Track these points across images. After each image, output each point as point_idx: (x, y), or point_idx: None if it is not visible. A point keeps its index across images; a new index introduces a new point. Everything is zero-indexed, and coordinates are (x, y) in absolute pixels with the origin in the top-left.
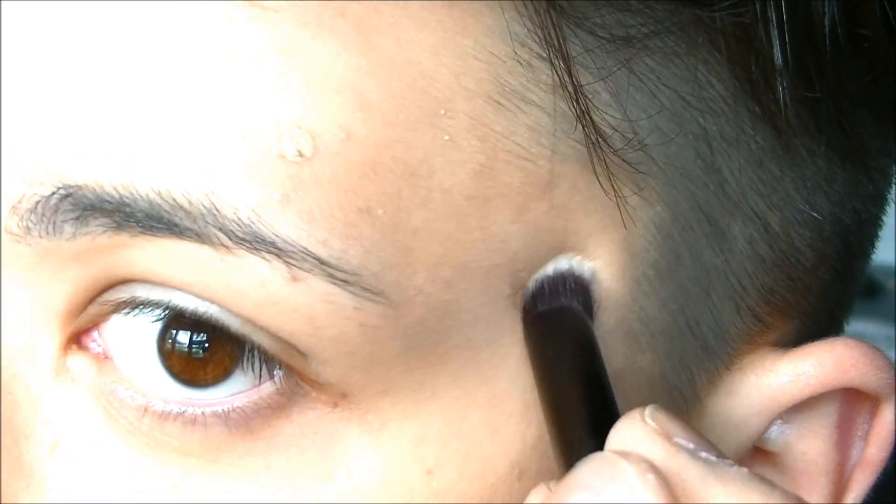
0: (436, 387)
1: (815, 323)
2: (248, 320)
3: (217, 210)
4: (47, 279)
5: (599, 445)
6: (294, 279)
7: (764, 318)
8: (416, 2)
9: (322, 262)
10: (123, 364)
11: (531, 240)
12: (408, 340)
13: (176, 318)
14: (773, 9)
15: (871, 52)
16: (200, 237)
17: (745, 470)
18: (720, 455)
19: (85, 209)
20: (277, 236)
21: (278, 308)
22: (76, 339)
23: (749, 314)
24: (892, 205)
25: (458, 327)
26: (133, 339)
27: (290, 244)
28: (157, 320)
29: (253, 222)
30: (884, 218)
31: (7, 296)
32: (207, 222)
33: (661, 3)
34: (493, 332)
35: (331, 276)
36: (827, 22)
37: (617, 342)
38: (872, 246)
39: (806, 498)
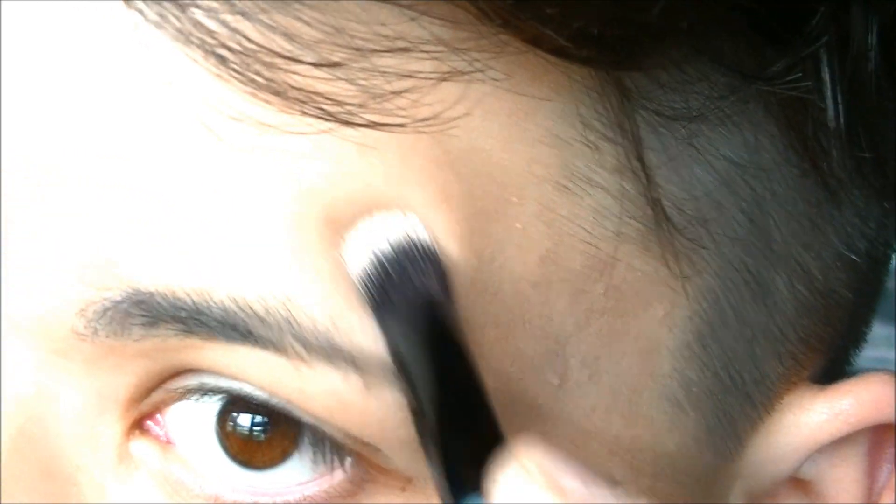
0: None
1: (843, 351)
2: (320, 420)
3: (294, 319)
4: (110, 371)
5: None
6: (367, 388)
7: (800, 359)
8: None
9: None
10: (184, 447)
11: (584, 322)
12: None
13: (237, 401)
14: (827, 72)
15: None
16: (275, 346)
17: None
18: (611, 483)
19: (156, 315)
20: (354, 346)
21: (349, 413)
22: (138, 424)
23: (788, 357)
24: None
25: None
26: (193, 420)
27: (367, 354)
28: (218, 401)
29: (330, 332)
30: None
31: (67, 387)
32: (283, 331)
33: (724, 79)
34: None
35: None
36: (874, 79)
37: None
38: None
39: None
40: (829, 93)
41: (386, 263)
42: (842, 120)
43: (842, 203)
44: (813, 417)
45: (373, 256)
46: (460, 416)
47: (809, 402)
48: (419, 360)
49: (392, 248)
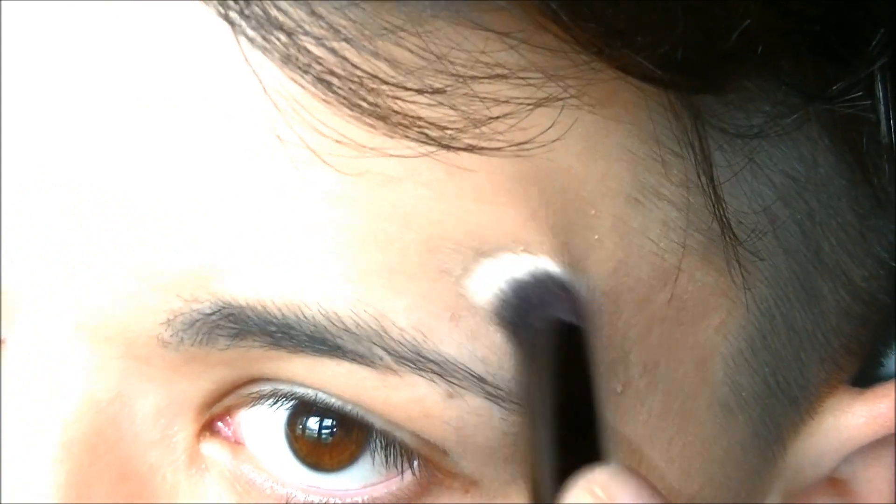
0: None
1: (880, 355)
2: (395, 425)
3: (384, 332)
4: (189, 378)
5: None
6: (451, 395)
7: (840, 363)
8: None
9: (480, 379)
10: (254, 448)
11: (646, 331)
12: None
13: (309, 406)
14: (881, 90)
15: None
16: (363, 359)
17: None
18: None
19: (244, 328)
20: (440, 355)
21: (430, 419)
22: (209, 426)
23: (831, 363)
24: None
25: None
26: (263, 423)
27: (453, 363)
28: (290, 407)
29: (418, 342)
30: None
31: (145, 391)
32: (373, 343)
33: (786, 98)
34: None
35: (487, 392)
36: None
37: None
38: None
39: None
40: (882, 110)
41: (525, 290)
42: (894, 136)
43: (887, 213)
44: (851, 420)
45: (509, 284)
46: (573, 433)
47: (848, 405)
48: (544, 378)
49: (531, 276)
